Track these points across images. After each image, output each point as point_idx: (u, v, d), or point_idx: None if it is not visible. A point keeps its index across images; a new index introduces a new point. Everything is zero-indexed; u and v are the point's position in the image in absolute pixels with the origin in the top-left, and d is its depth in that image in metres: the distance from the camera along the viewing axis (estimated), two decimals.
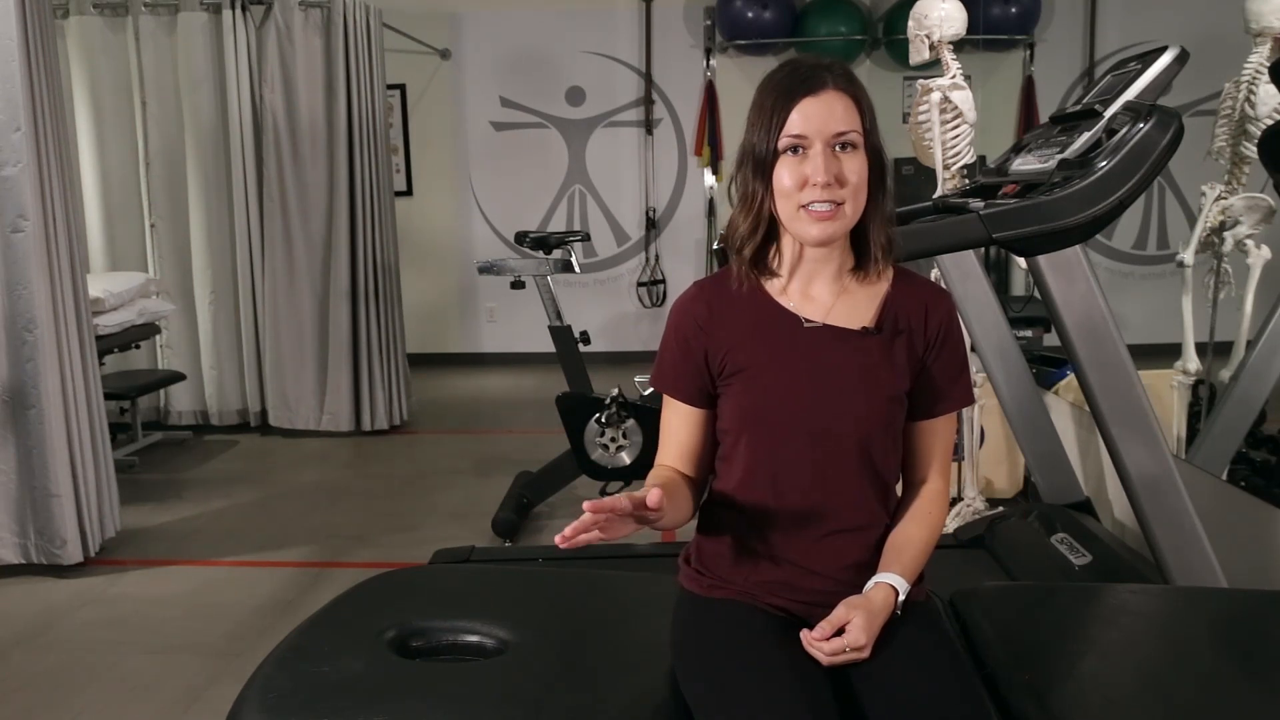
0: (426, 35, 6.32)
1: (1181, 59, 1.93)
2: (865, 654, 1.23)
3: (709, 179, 6.66)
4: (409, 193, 6.69)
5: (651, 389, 1.44)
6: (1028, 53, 6.13)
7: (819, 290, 1.36)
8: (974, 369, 2.21)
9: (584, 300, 6.56)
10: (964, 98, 2.98)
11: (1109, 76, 2.07)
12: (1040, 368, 3.23)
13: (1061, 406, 3.15)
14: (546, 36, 6.54)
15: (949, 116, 3.01)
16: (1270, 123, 2.58)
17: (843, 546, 1.34)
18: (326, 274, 4.92)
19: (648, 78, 6.57)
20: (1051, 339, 3.25)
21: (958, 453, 3.22)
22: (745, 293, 1.37)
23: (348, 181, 4.86)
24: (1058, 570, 2.27)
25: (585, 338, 3.75)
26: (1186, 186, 3.87)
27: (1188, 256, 2.76)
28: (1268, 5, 2.56)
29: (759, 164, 1.30)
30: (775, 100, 1.28)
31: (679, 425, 1.40)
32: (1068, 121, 2.06)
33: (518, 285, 3.83)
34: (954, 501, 3.25)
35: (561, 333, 3.71)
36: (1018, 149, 2.18)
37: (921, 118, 3.07)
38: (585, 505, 1.15)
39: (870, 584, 1.29)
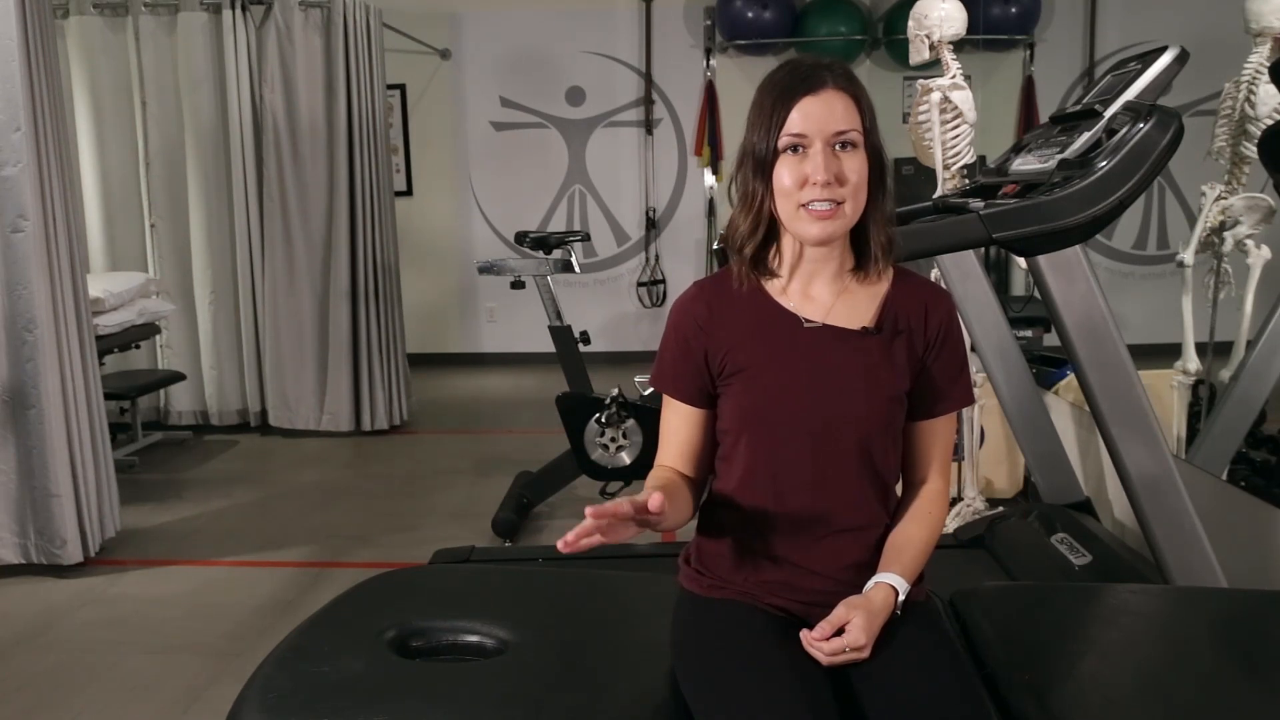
0: (426, 35, 6.32)
1: (1181, 59, 1.93)
2: (865, 654, 1.22)
3: (709, 179, 6.66)
4: (409, 193, 6.69)
5: (651, 389, 1.44)
6: (1028, 53, 6.13)
7: (819, 290, 1.36)
8: (974, 369, 2.21)
9: (584, 300, 6.56)
10: (964, 98, 2.98)
11: (1109, 76, 2.07)
12: (1040, 368, 3.23)
13: (1061, 406, 3.15)
14: (546, 36, 6.54)
15: (949, 116, 3.01)
16: (1270, 123, 2.58)
17: (843, 546, 1.34)
18: (326, 274, 4.92)
19: (648, 78, 6.57)
20: (1051, 339, 3.25)
21: (958, 453, 3.22)
22: (745, 293, 1.37)
23: (348, 181, 4.87)
24: (1058, 570, 2.27)
25: (585, 338, 3.75)
26: (1186, 186, 3.86)
27: (1188, 256, 2.76)
28: (1268, 5, 2.56)
29: (759, 163, 1.30)
30: (775, 99, 1.28)
31: (679, 425, 1.40)
32: (1068, 121, 2.06)
33: (518, 285, 3.83)
34: (954, 501, 3.25)
35: (561, 333, 3.71)
36: (1018, 149, 2.18)
37: (921, 118, 3.07)
38: (587, 511, 1.15)
39: (870, 584, 1.29)
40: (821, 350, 1.33)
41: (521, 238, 3.83)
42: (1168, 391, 2.84)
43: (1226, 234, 2.72)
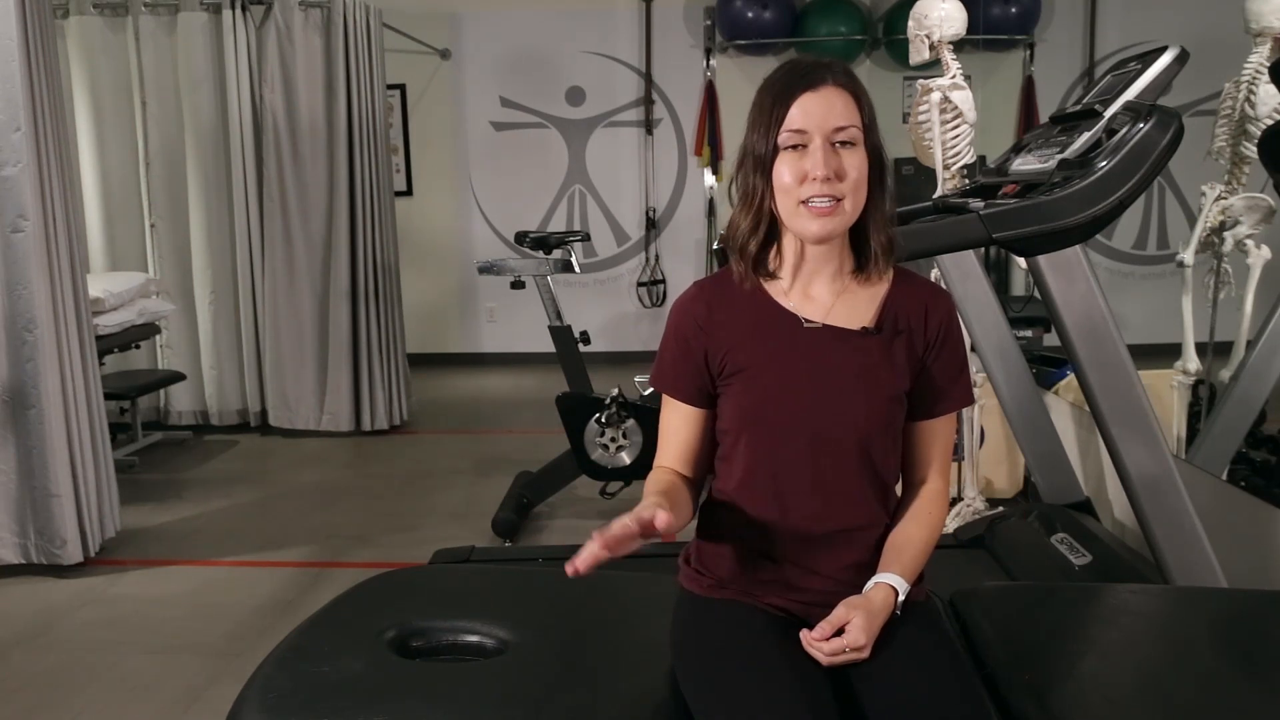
0: (426, 35, 6.32)
1: (1181, 59, 1.93)
2: (865, 654, 1.22)
3: (709, 179, 6.66)
4: (409, 193, 6.69)
5: (651, 389, 1.44)
6: (1028, 53, 6.13)
7: (819, 290, 1.36)
8: (974, 369, 2.21)
9: (584, 300, 6.56)
10: (964, 98, 2.98)
11: (1109, 76, 2.07)
12: (1040, 368, 3.23)
13: (1061, 406, 3.15)
14: (546, 36, 6.54)
15: (949, 116, 3.01)
16: (1270, 123, 2.58)
17: (842, 546, 1.34)
18: (326, 274, 4.92)
19: (648, 78, 6.57)
20: (1051, 339, 3.25)
21: (958, 453, 3.22)
22: (745, 293, 1.37)
23: (348, 181, 4.87)
24: (1058, 570, 2.27)
25: (585, 338, 3.75)
26: (1186, 186, 3.87)
27: (1188, 256, 2.76)
28: (1268, 5, 2.56)
29: (759, 161, 1.30)
30: (775, 97, 1.29)
31: (678, 425, 1.40)
32: (1068, 121, 2.06)
33: (518, 285, 3.83)
34: (954, 501, 3.25)
35: (561, 333, 3.71)
36: (1018, 149, 2.18)
37: (921, 118, 3.07)
38: (596, 538, 1.15)
39: (870, 584, 1.29)
40: (821, 350, 1.33)
41: (521, 238, 3.83)
42: (1168, 391, 2.84)
43: (1226, 234, 2.72)
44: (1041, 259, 1.90)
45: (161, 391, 5.02)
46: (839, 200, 1.27)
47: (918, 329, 1.35)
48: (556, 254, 3.77)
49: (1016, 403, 2.60)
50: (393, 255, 5.14)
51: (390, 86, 5.92)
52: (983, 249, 2.61)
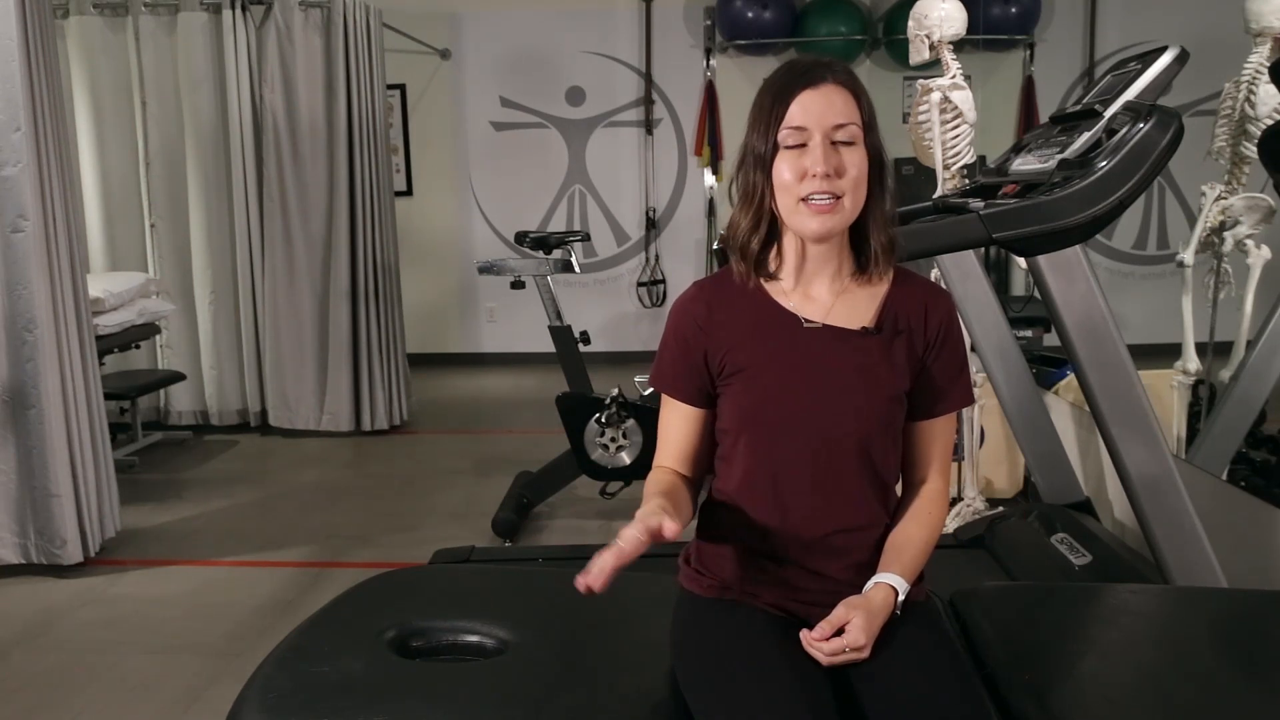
0: (426, 35, 6.32)
1: (1181, 59, 1.93)
2: (865, 654, 1.22)
3: (709, 179, 6.66)
4: (409, 193, 6.69)
5: (651, 389, 1.44)
6: (1028, 53, 6.12)
7: (819, 290, 1.36)
8: (974, 369, 2.21)
9: (584, 300, 6.56)
10: (964, 98, 2.98)
11: (1109, 76, 2.07)
12: (1040, 368, 3.23)
13: (1061, 406, 3.15)
14: (546, 36, 6.54)
15: (949, 116, 3.01)
16: (1270, 123, 2.58)
17: (842, 546, 1.34)
18: (326, 274, 4.92)
19: (648, 78, 6.57)
20: (1051, 339, 3.25)
21: (958, 453, 3.22)
22: (745, 293, 1.37)
23: (348, 181, 4.87)
24: (1058, 570, 2.27)
25: (585, 338, 3.75)
26: (1186, 186, 3.87)
27: (1188, 256, 2.76)
28: (1268, 5, 2.56)
29: (759, 159, 1.30)
30: (775, 95, 1.29)
31: (678, 425, 1.40)
32: (1068, 121, 2.06)
33: (518, 285, 3.83)
34: (954, 501, 3.25)
35: (561, 333, 3.71)
36: (1018, 149, 2.18)
37: (921, 118, 3.07)
38: (607, 553, 1.16)
39: (870, 584, 1.29)
40: (821, 350, 1.33)
41: (521, 238, 3.83)
42: (1168, 391, 2.84)
43: (1226, 234, 2.72)
44: (1041, 259, 1.90)
45: (161, 391, 5.02)
46: (838, 198, 1.27)
47: (918, 329, 1.35)
48: (556, 254, 3.77)
49: (1016, 403, 2.60)
50: (393, 255, 5.14)
51: (390, 86, 5.92)
52: (983, 249, 2.61)
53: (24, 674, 2.59)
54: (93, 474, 3.27)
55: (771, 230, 1.35)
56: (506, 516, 3.51)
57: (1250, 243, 2.68)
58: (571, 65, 6.57)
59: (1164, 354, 2.89)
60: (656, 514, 1.20)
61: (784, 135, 1.28)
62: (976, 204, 1.89)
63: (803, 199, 1.27)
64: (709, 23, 6.45)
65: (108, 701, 2.44)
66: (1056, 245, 1.84)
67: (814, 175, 1.26)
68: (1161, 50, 1.95)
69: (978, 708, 1.21)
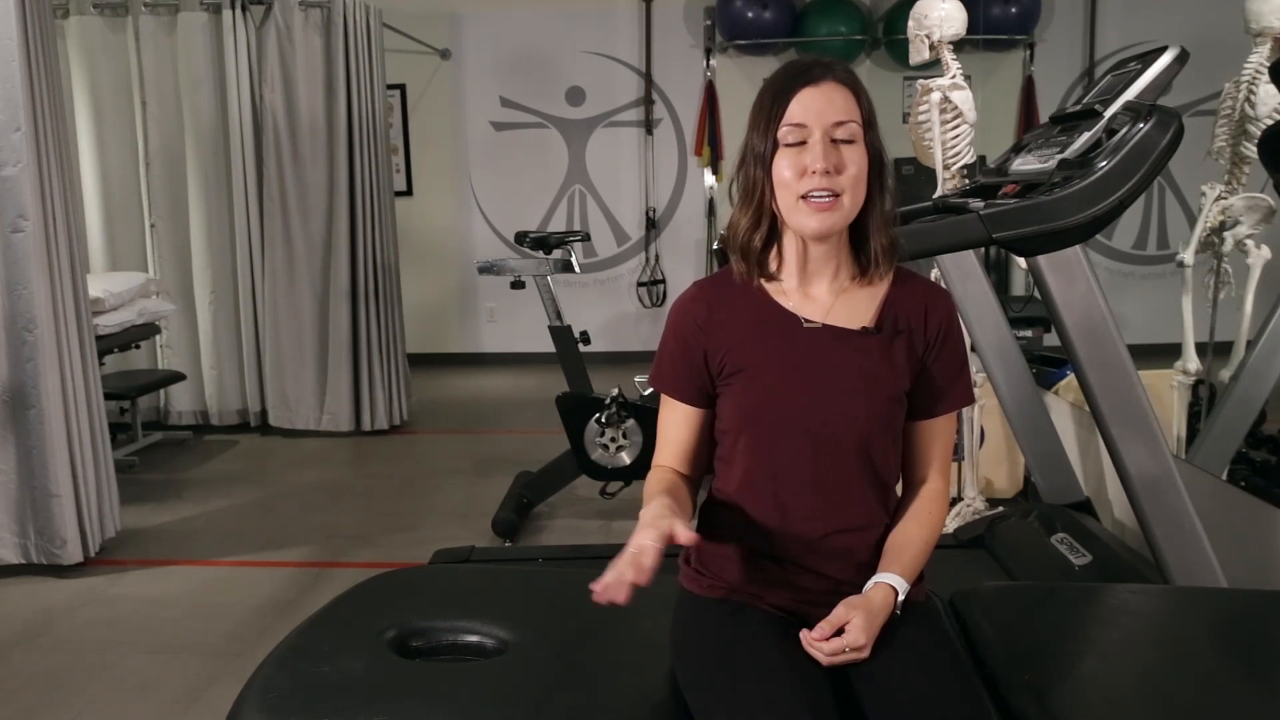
0: (426, 35, 6.32)
1: (1181, 59, 1.93)
2: (865, 654, 1.23)
3: (709, 179, 6.66)
4: (409, 193, 6.69)
5: (651, 389, 1.44)
6: (1028, 53, 6.12)
7: (819, 290, 1.36)
8: (974, 369, 2.21)
9: (584, 300, 6.56)
10: (964, 98, 2.98)
11: (1109, 76, 2.07)
12: (1040, 368, 3.23)
13: (1061, 406, 3.15)
14: (546, 36, 6.53)
15: (949, 116, 3.01)
16: (1270, 123, 2.58)
17: (842, 546, 1.34)
18: (326, 274, 4.92)
19: (648, 78, 6.57)
20: (1051, 339, 3.25)
21: (958, 453, 3.22)
22: (745, 293, 1.37)
23: (348, 181, 4.86)
24: (1058, 570, 2.27)
25: (585, 338, 3.75)
26: (1186, 186, 3.87)
27: (1188, 256, 2.76)
28: (1268, 5, 2.56)
29: (759, 158, 1.30)
30: (776, 93, 1.29)
31: (677, 425, 1.40)
32: (1068, 121, 2.06)
33: (518, 285, 3.83)
34: (954, 501, 3.25)
35: (561, 333, 3.71)
36: (1018, 149, 2.18)
37: (921, 118, 3.07)
38: (629, 568, 1.16)
39: (870, 584, 1.29)
40: (821, 350, 1.33)
41: (521, 238, 3.83)
42: (1168, 391, 2.84)
43: (1226, 234, 2.72)
44: (1041, 259, 1.90)
45: (161, 391, 5.02)
46: (837, 195, 1.27)
47: (917, 329, 1.35)
48: (556, 254, 3.77)
49: (1016, 403, 2.60)
50: (393, 255, 5.14)
51: (390, 86, 5.92)
52: (983, 249, 2.61)
53: (24, 674, 2.59)
54: (93, 474, 3.27)
55: (772, 230, 1.35)
56: (506, 516, 3.51)
57: (1250, 243, 2.68)
58: (571, 65, 6.57)
59: (1164, 354, 2.89)
60: (666, 517, 1.21)
61: (784, 132, 1.28)
62: (976, 204, 1.89)
63: (802, 196, 1.27)
64: (709, 23, 6.45)
65: (108, 701, 2.44)
66: (1056, 245, 1.84)
67: (813, 172, 1.26)
68: (1161, 50, 1.95)
69: (978, 708, 1.21)
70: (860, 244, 1.35)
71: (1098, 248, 5.44)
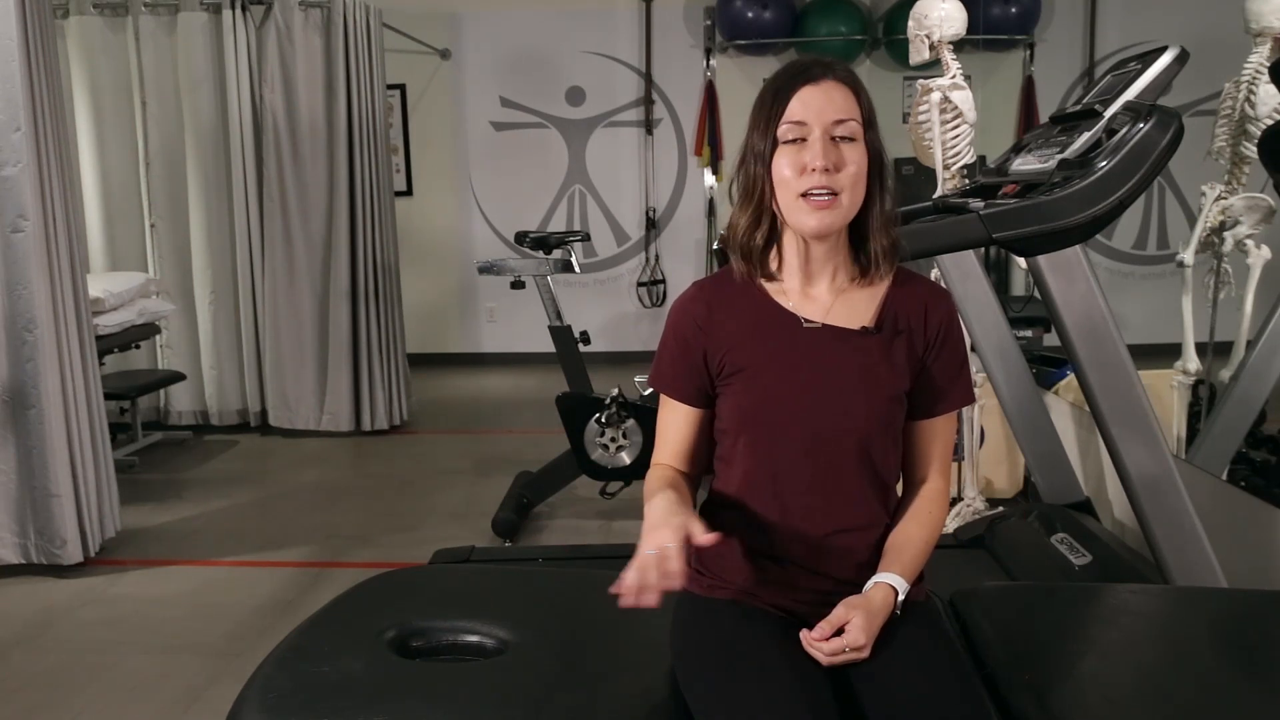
0: (426, 35, 6.32)
1: (1181, 59, 1.93)
2: (865, 654, 1.23)
3: (709, 179, 6.66)
4: (409, 193, 6.69)
5: (651, 389, 1.44)
6: (1028, 53, 6.12)
7: (819, 290, 1.36)
8: (974, 369, 2.21)
9: (584, 300, 6.56)
10: (964, 98, 2.98)
11: (1109, 76, 2.07)
12: (1040, 368, 3.23)
13: (1061, 406, 3.15)
14: (546, 36, 6.54)
15: (949, 116, 3.01)
16: (1270, 123, 2.58)
17: (842, 546, 1.34)
18: (326, 274, 4.92)
19: (648, 78, 6.57)
20: (1051, 339, 3.25)
21: (958, 453, 3.22)
22: (745, 293, 1.37)
23: (348, 181, 4.87)
24: (1058, 570, 2.27)
25: (585, 338, 3.75)
26: (1186, 186, 3.86)
27: (1188, 256, 2.76)
28: (1268, 5, 2.56)
29: (759, 156, 1.30)
30: (776, 92, 1.29)
31: (677, 425, 1.40)
32: (1068, 121, 2.06)
33: (518, 285, 3.83)
34: (954, 501, 3.25)
35: (561, 333, 3.71)
36: (1018, 149, 2.18)
37: (921, 118, 3.07)
38: (656, 574, 1.17)
39: (870, 584, 1.29)
40: (821, 350, 1.33)
41: (521, 238, 3.83)
42: (1168, 391, 2.84)
43: (1226, 234, 2.72)
44: (1041, 259, 1.90)
45: (161, 391, 5.02)
46: (837, 194, 1.27)
47: (917, 329, 1.35)
48: (556, 254, 3.77)
49: (1016, 403, 2.60)
50: (393, 255, 5.14)
51: (390, 86, 5.92)
52: (983, 249, 2.61)
53: (24, 674, 2.59)
54: (93, 474, 3.27)
55: (772, 230, 1.35)
56: (506, 516, 3.51)
57: (1250, 243, 2.68)
58: (571, 65, 6.57)
59: (1164, 354, 2.89)
60: (679, 514, 1.22)
61: (784, 130, 1.28)
62: (976, 204, 1.89)
63: (802, 194, 1.27)
64: (709, 23, 6.45)
65: (108, 701, 2.44)
66: (1056, 245, 1.84)
67: (813, 170, 1.26)
68: (1161, 50, 1.95)
69: (978, 708, 1.21)
70: (860, 244, 1.35)
71: (1098, 248, 5.44)
